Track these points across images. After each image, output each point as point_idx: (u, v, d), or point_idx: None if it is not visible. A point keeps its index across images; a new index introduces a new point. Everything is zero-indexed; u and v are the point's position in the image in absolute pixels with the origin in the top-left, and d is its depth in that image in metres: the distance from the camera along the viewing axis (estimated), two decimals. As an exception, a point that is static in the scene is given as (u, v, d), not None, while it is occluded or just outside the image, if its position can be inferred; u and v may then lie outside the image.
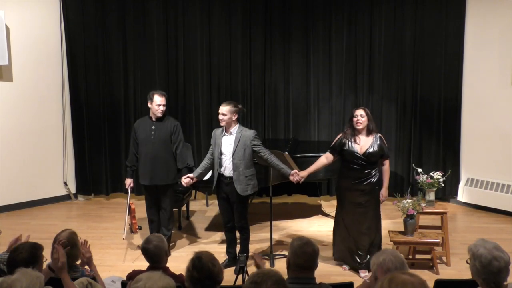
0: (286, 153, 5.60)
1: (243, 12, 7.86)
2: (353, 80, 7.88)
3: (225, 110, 5.17)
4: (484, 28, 7.32)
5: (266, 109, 8.05)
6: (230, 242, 5.58)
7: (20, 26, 7.40)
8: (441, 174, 5.66)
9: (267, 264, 5.34)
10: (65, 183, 8.03)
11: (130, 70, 7.97)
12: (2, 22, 7.06)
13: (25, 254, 3.21)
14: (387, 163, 5.26)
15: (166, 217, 5.77)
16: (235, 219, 5.41)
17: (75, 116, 7.97)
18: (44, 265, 3.35)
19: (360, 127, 5.17)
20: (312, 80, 7.92)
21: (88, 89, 7.96)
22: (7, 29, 7.20)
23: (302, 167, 6.10)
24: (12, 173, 7.46)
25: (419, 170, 5.82)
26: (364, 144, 5.17)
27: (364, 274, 5.20)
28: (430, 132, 7.79)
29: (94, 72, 7.94)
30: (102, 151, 8.08)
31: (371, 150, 5.13)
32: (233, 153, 5.18)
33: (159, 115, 5.64)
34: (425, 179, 5.62)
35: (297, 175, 5.26)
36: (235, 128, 5.23)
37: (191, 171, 5.67)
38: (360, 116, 5.17)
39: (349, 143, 5.20)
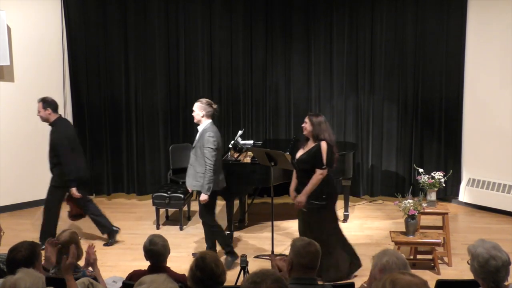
0: (287, 153, 5.60)
1: (244, 12, 7.86)
2: (354, 80, 7.88)
3: (194, 106, 5.52)
4: (485, 28, 7.32)
5: (267, 109, 8.05)
6: (205, 235, 5.78)
7: (22, 26, 7.40)
8: (442, 174, 5.66)
9: (268, 265, 5.33)
10: (67, 183, 8.02)
11: (131, 70, 7.97)
12: (4, 23, 7.07)
13: (24, 253, 3.22)
14: (317, 172, 5.00)
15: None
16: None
17: (76, 116, 7.97)
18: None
19: (304, 133, 5.15)
20: (313, 80, 7.92)
21: (89, 89, 7.97)
22: (9, 29, 7.21)
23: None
24: (13, 173, 7.47)
25: (421, 170, 5.81)
26: (305, 150, 5.13)
27: None
28: (432, 132, 7.78)
29: (95, 72, 7.94)
30: (103, 151, 8.08)
31: (302, 157, 5.09)
32: (193, 148, 5.52)
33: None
34: (427, 179, 5.61)
35: (298, 202, 5.12)
36: (201, 126, 5.47)
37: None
38: (305, 122, 5.12)
39: (300, 149, 5.22)
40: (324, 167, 4.99)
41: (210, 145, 5.33)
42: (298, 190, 5.17)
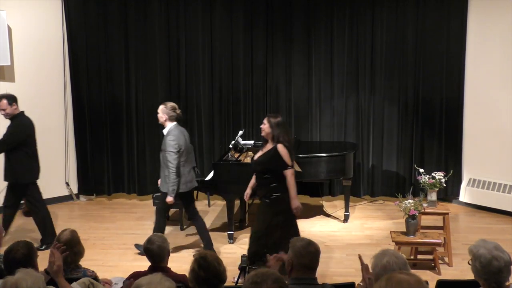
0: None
1: (245, 13, 7.87)
2: (355, 80, 7.88)
3: (159, 109, 5.63)
4: (486, 28, 7.32)
5: (267, 109, 8.04)
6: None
7: (22, 26, 7.41)
8: (443, 175, 5.66)
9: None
10: (67, 183, 8.04)
11: (132, 71, 7.98)
12: (4, 23, 7.07)
13: (22, 251, 3.22)
14: (287, 174, 4.93)
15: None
16: None
17: (77, 116, 7.98)
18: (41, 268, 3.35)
19: (262, 134, 5.08)
20: (313, 80, 7.92)
21: (90, 89, 7.97)
22: (9, 29, 7.22)
23: (303, 168, 6.12)
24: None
25: (421, 170, 5.81)
26: (263, 152, 5.09)
27: None
28: (432, 132, 7.78)
29: (96, 72, 7.95)
30: (104, 151, 8.08)
31: (260, 158, 5.06)
32: (161, 152, 5.64)
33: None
34: (427, 180, 5.61)
35: (295, 208, 5.00)
36: (165, 129, 5.60)
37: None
38: (263, 124, 5.06)
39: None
40: (289, 167, 4.94)
41: (171, 149, 5.45)
42: (255, 192, 5.25)
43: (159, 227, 5.74)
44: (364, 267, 3.03)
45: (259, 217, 5.17)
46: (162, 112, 5.59)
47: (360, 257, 3.15)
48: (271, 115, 5.14)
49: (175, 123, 5.61)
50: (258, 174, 5.11)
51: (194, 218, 5.84)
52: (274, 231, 4.96)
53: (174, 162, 5.44)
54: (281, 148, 4.92)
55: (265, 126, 5.02)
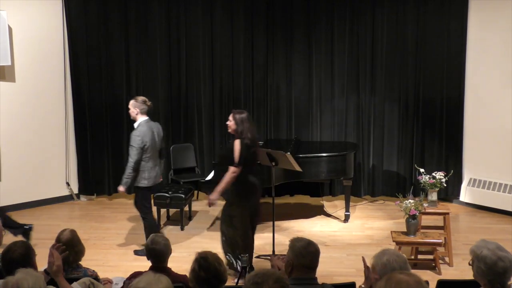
0: (288, 153, 5.60)
1: (245, 13, 7.87)
2: (355, 81, 7.88)
3: (129, 104, 5.72)
4: (486, 28, 7.32)
5: (268, 109, 8.05)
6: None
7: (23, 26, 7.41)
8: (443, 175, 5.66)
9: (269, 265, 5.33)
10: (68, 183, 8.04)
11: (132, 71, 7.98)
12: (5, 23, 7.07)
13: (20, 250, 3.22)
14: (230, 170, 5.00)
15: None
16: None
17: (77, 116, 7.98)
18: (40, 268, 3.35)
19: (229, 130, 5.16)
20: (314, 80, 7.92)
21: (90, 89, 7.97)
22: (10, 29, 7.22)
23: (304, 168, 6.12)
24: (14, 173, 7.48)
25: (422, 170, 5.82)
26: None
27: None
28: (433, 132, 7.78)
29: (96, 72, 7.95)
30: (105, 151, 8.09)
31: (221, 153, 5.13)
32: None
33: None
34: (428, 180, 5.62)
35: (209, 200, 5.19)
36: (136, 123, 5.67)
37: None
38: (229, 120, 5.12)
39: None
40: (236, 164, 4.95)
41: (134, 144, 5.54)
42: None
43: (150, 226, 5.79)
44: (368, 268, 3.02)
45: (225, 217, 5.24)
46: (133, 106, 5.67)
47: (363, 259, 3.14)
48: (236, 111, 5.18)
49: (146, 118, 5.69)
50: (219, 169, 5.21)
51: (146, 217, 5.85)
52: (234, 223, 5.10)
53: (135, 157, 5.54)
54: (236, 143, 4.98)
55: (231, 123, 5.08)
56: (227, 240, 5.21)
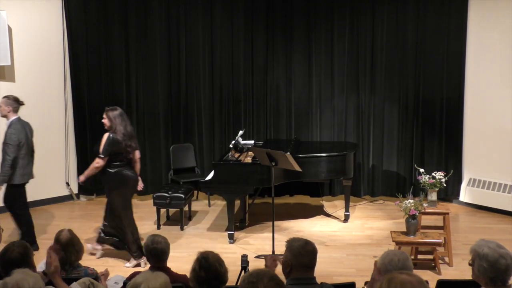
0: (288, 153, 5.60)
1: (245, 13, 7.87)
2: (355, 80, 7.88)
3: (1, 102, 5.79)
4: (486, 28, 7.32)
5: (268, 109, 8.05)
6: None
7: (23, 26, 7.41)
8: (443, 174, 5.66)
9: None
10: (67, 183, 8.04)
11: (132, 71, 7.98)
12: (5, 23, 7.07)
13: (18, 250, 3.22)
14: (95, 160, 5.46)
15: None
16: None
17: (77, 116, 7.98)
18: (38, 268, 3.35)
19: (105, 127, 5.46)
20: (314, 80, 7.92)
21: (90, 89, 7.98)
22: (10, 29, 7.22)
23: (304, 168, 6.12)
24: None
25: (421, 170, 5.82)
26: None
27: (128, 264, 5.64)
28: (432, 132, 7.78)
29: (96, 72, 7.95)
30: (104, 151, 8.07)
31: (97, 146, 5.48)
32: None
33: None
34: (427, 180, 5.62)
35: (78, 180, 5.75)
36: (8, 121, 5.77)
37: None
38: (103, 118, 5.47)
39: None
40: (100, 155, 5.37)
41: (11, 142, 5.66)
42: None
43: (27, 222, 5.96)
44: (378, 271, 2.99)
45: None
46: (5, 104, 5.74)
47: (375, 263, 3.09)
48: (109, 108, 5.51)
49: (18, 116, 5.79)
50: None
51: (23, 213, 5.94)
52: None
53: (12, 154, 5.66)
54: (105, 136, 5.37)
55: (105, 121, 5.44)
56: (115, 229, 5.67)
